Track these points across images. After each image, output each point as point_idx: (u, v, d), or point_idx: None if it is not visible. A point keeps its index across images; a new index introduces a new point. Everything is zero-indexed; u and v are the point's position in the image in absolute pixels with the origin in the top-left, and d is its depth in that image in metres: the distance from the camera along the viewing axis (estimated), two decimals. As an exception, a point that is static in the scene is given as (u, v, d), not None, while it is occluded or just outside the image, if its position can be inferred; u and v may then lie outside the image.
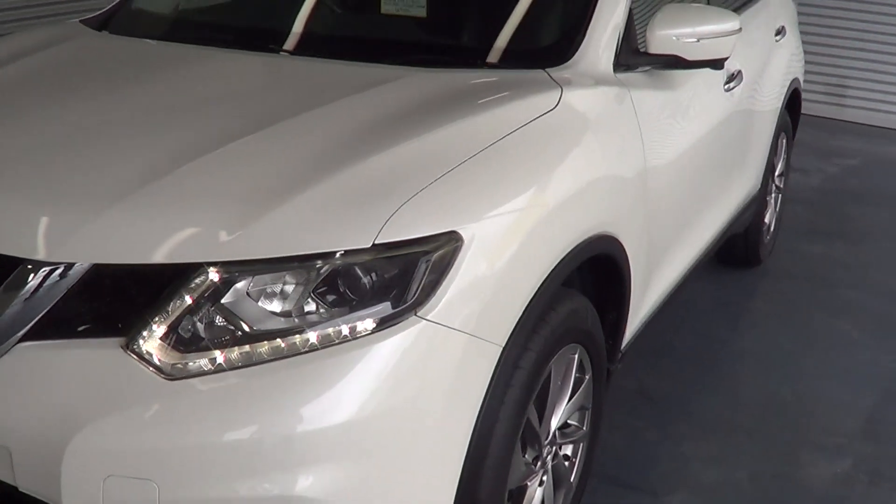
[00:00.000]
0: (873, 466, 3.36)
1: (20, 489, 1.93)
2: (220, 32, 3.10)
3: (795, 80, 4.94)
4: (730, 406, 3.71)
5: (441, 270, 1.94)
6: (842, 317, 4.59)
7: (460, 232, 1.97)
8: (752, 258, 4.99)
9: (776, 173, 5.08)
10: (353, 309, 1.89)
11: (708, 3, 3.64)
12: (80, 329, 1.92)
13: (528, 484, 2.44)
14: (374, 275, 1.91)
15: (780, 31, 4.63)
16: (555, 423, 2.51)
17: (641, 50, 2.90)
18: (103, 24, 3.28)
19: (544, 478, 2.53)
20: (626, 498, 3.10)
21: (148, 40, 3.10)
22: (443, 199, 2.01)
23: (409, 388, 1.90)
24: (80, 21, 3.31)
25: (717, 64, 2.95)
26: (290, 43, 2.91)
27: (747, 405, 3.74)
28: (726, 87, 3.60)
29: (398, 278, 1.91)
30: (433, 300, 1.92)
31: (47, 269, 1.91)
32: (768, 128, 4.52)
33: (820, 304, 4.73)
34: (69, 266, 1.91)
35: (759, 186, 4.57)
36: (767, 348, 4.23)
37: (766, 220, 5.05)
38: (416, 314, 1.90)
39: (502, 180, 2.16)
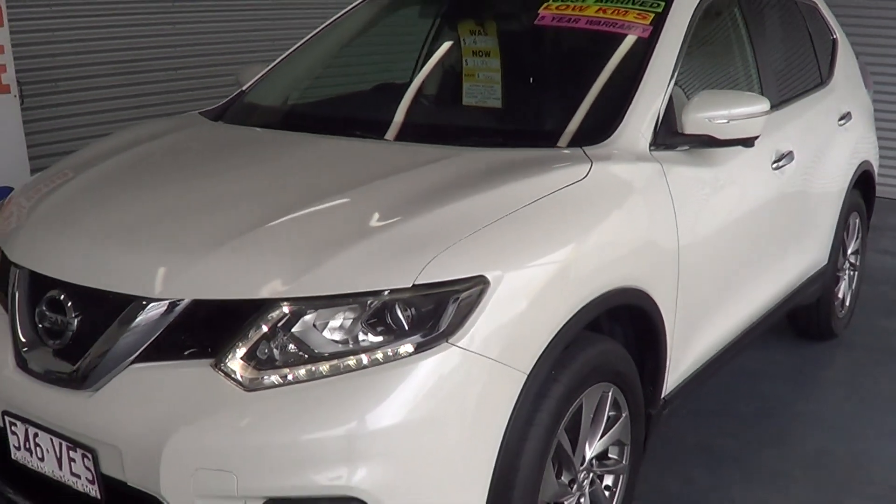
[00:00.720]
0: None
1: (128, 483, 2.39)
2: (321, 122, 3.61)
3: (865, 162, 5.22)
4: (782, 458, 3.97)
5: (470, 306, 2.36)
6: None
7: (487, 276, 2.39)
8: (825, 331, 5.23)
9: (849, 251, 5.32)
10: (396, 337, 2.32)
11: (761, 91, 4.03)
12: (180, 352, 2.38)
13: (564, 502, 2.79)
14: (413, 309, 2.34)
15: (845, 117, 4.93)
16: (589, 451, 2.87)
17: (680, 132, 3.26)
18: (219, 115, 3.84)
19: (581, 500, 2.87)
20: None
21: (257, 128, 3.62)
22: (474, 249, 2.44)
23: (442, 401, 2.31)
24: (199, 112, 3.88)
25: (747, 142, 3.31)
26: (378, 131, 3.40)
27: (801, 458, 3.99)
28: (774, 165, 3.93)
29: (433, 312, 2.33)
30: (462, 330, 2.34)
31: (156, 304, 2.40)
32: (833, 207, 4.81)
33: (889, 373, 4.95)
34: (174, 302, 2.39)
35: (827, 261, 4.84)
36: (830, 410, 4.47)
37: (840, 295, 5.29)
38: (447, 341, 2.32)
39: (528, 236, 2.58)
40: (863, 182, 5.31)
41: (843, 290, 5.39)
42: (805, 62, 4.86)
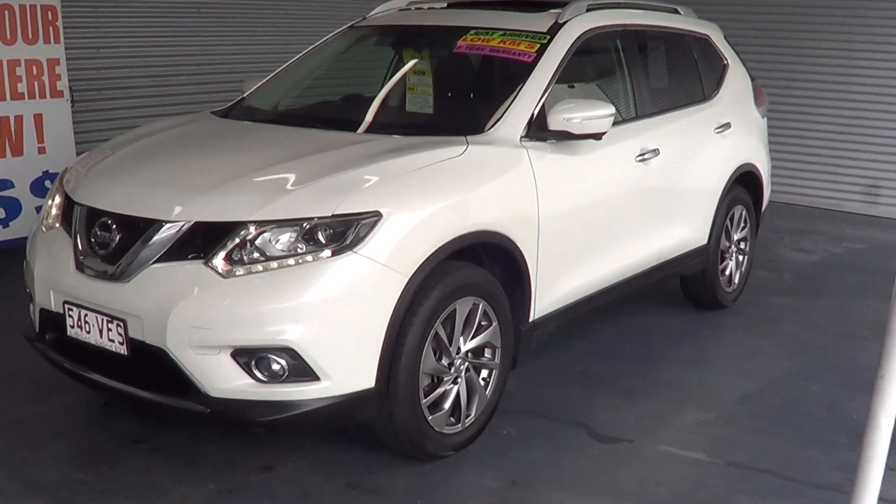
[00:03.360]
0: (730, 421, 4.82)
1: (146, 341, 3.72)
2: (301, 119, 4.97)
3: (746, 164, 6.45)
4: (643, 382, 5.22)
5: (368, 229, 3.68)
6: (768, 339, 6.06)
7: (381, 211, 3.72)
8: (713, 301, 6.47)
9: (736, 237, 6.58)
10: (320, 247, 3.65)
11: (634, 104, 5.34)
12: (183, 256, 3.73)
13: (444, 378, 4.10)
14: (331, 230, 3.67)
15: (724, 126, 6.19)
16: (463, 346, 4.15)
17: (547, 129, 4.57)
18: (225, 113, 5.22)
19: (458, 380, 4.18)
20: (538, 422, 4.66)
21: (252, 122, 4.99)
22: (373, 194, 3.76)
23: (348, 287, 3.62)
24: (211, 112, 5.26)
25: (597, 136, 4.59)
26: (340, 125, 4.72)
27: (658, 383, 5.23)
28: (638, 158, 5.24)
29: (344, 232, 3.67)
30: (362, 244, 3.65)
31: (170, 225, 3.75)
32: (710, 197, 6.08)
33: (756, 333, 6.19)
34: (182, 224, 3.74)
35: (707, 241, 6.11)
36: (696, 355, 5.72)
37: (727, 272, 6.54)
38: (352, 251, 3.65)
39: (412, 188, 3.90)
40: (746, 181, 6.55)
41: (730, 268, 6.59)
42: (688, 82, 6.15)
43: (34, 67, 7.03)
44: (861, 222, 9.66)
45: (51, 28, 7.06)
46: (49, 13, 7.03)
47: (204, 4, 8.97)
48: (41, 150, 7.15)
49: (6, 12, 6.80)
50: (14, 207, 7.01)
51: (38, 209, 6.73)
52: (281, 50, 8.41)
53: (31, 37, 6.96)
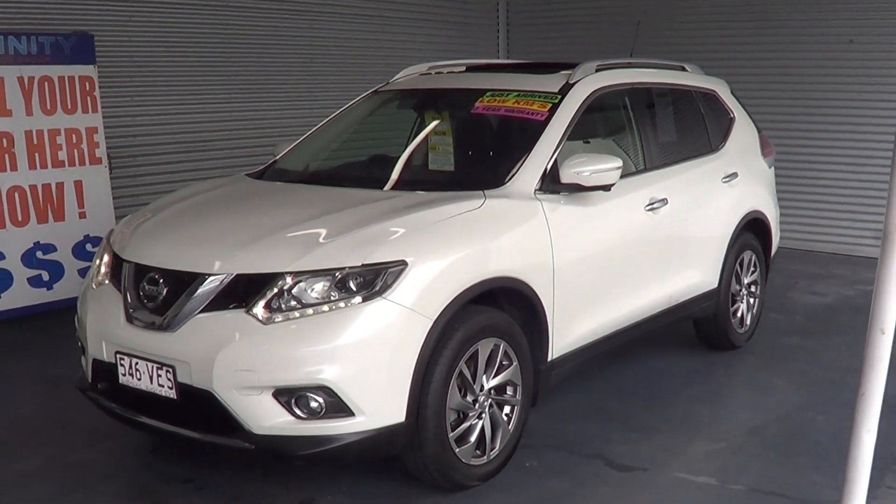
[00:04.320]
0: (740, 449, 5.07)
1: (193, 385, 4.06)
2: (331, 178, 5.36)
3: (754, 211, 6.75)
4: (657, 418, 5.49)
5: (396, 276, 4.02)
6: (778, 375, 6.31)
7: (406, 260, 4.06)
8: (725, 341, 6.74)
9: (746, 281, 6.87)
10: (351, 294, 3.99)
11: (643, 157, 5.68)
12: (226, 305, 4.08)
13: (470, 414, 4.41)
14: (362, 278, 4.01)
15: (731, 176, 6.51)
16: (486, 383, 4.46)
17: (559, 181, 4.92)
18: (259, 175, 5.60)
19: (482, 415, 4.49)
20: (558, 455, 4.95)
21: (285, 183, 5.36)
22: (399, 245, 4.11)
23: (378, 331, 3.95)
24: (245, 174, 5.65)
25: (606, 188, 4.94)
26: (367, 184, 5.10)
27: (671, 418, 5.50)
28: (647, 207, 5.57)
29: (373, 280, 4.01)
30: (390, 290, 3.99)
31: (213, 277, 4.11)
32: (719, 243, 6.39)
33: (767, 370, 6.44)
34: (224, 276, 4.10)
35: (718, 285, 6.41)
36: (708, 392, 5.99)
37: (739, 314, 6.81)
38: (381, 297, 3.99)
39: (435, 238, 4.25)
40: (754, 227, 6.85)
41: (741, 310, 6.87)
42: (695, 135, 6.50)
43: (73, 136, 7.48)
44: (875, 265, 9.81)
45: (88, 98, 7.51)
46: (87, 84, 7.47)
47: (234, 73, 9.43)
48: (82, 216, 7.56)
49: (46, 84, 7.23)
50: (57, 270, 7.40)
51: (80, 272, 7.16)
52: (308, 115, 8.83)
53: (69, 107, 7.39)
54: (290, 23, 9.89)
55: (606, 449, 5.02)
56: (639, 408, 5.67)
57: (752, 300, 6.98)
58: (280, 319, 3.96)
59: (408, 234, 4.19)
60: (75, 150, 7.42)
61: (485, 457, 4.49)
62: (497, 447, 4.55)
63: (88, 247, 7.45)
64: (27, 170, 7.14)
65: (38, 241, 7.25)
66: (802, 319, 7.83)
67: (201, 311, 4.09)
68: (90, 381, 4.56)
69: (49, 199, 7.28)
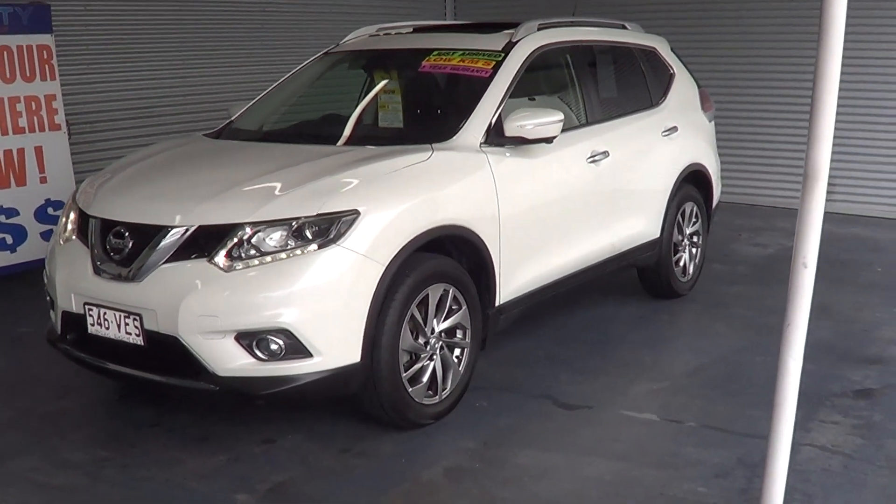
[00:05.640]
0: (681, 389, 5.38)
1: (160, 331, 4.28)
2: (285, 136, 5.58)
3: (694, 164, 7.02)
4: (602, 361, 5.78)
5: (349, 225, 4.25)
6: (720, 321, 6.60)
7: (358, 209, 4.30)
8: (668, 290, 7.02)
9: (688, 231, 7.15)
10: (307, 242, 4.23)
11: (584, 111, 5.94)
12: (189, 256, 4.30)
13: (421, 355, 4.67)
14: (316, 227, 4.25)
15: (671, 129, 6.78)
16: (437, 326, 4.72)
17: (503, 135, 5.17)
18: (216, 135, 5.81)
19: (434, 357, 4.75)
20: (508, 396, 5.23)
21: (241, 141, 5.57)
22: (352, 196, 4.34)
23: (332, 276, 4.19)
24: (204, 134, 5.86)
25: (549, 140, 5.19)
26: (320, 140, 5.33)
27: (614, 361, 5.80)
28: (589, 160, 5.84)
29: (327, 228, 4.24)
30: (344, 238, 4.22)
31: (176, 230, 4.33)
32: (660, 194, 6.65)
33: (709, 316, 6.74)
34: (186, 228, 4.31)
35: (659, 235, 6.69)
36: (651, 337, 6.28)
37: (681, 263, 7.10)
38: (335, 244, 4.23)
39: (387, 189, 4.49)
40: (695, 180, 7.13)
41: (684, 260, 7.14)
42: (636, 91, 6.76)
43: (33, 103, 7.56)
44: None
45: (46, 66, 7.60)
46: (45, 52, 7.57)
47: (187, 40, 9.57)
48: (42, 180, 7.67)
49: (5, 53, 7.33)
50: (20, 234, 7.54)
51: (43, 234, 7.32)
52: (261, 78, 8.96)
53: (28, 75, 7.49)
54: (243, -12, 10.02)
55: (554, 389, 5.29)
56: (585, 352, 5.94)
57: (694, 250, 7.26)
58: (240, 267, 4.18)
59: (360, 185, 4.42)
60: (35, 117, 7.53)
61: (437, 397, 4.74)
62: (448, 387, 4.81)
63: (50, 210, 7.58)
64: (-11, 136, 7.26)
65: (2, 206, 7.36)
66: (744, 269, 8.12)
67: (165, 262, 4.30)
68: (59, 332, 4.75)
69: (11, 165, 7.41)
